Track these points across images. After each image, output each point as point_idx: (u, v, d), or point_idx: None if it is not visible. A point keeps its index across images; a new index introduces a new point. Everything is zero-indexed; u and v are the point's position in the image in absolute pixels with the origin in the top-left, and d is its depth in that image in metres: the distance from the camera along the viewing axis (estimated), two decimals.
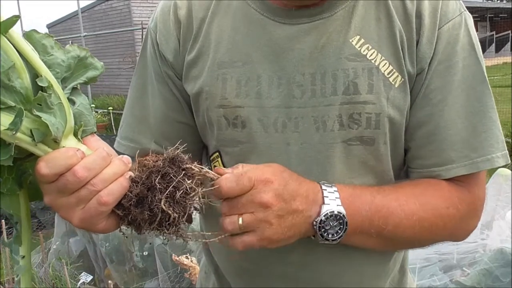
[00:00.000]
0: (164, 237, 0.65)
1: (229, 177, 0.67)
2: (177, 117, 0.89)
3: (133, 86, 0.92)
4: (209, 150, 0.90)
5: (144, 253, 2.88)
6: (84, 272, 3.11)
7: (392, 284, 0.96)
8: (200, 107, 0.85)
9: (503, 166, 0.82)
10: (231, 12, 0.84)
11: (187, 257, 2.51)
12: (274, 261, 0.86)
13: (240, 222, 0.67)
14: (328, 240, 0.72)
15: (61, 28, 15.47)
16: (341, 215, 0.72)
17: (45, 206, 4.59)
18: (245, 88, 0.80)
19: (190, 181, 0.63)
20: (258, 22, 0.81)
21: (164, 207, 0.61)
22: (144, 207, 0.62)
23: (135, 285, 2.87)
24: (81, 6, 9.99)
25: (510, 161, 0.82)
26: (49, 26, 16.59)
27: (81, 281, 3.01)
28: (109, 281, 2.29)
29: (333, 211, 0.71)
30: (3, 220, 3.17)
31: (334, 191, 0.73)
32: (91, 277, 3.10)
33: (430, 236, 0.81)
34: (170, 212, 0.61)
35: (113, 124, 8.96)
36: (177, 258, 2.49)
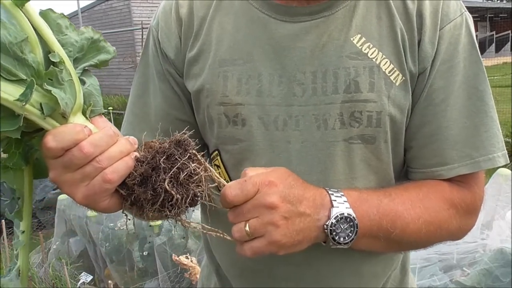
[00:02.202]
0: (166, 220, 0.65)
1: (233, 184, 0.67)
2: (178, 114, 0.89)
3: (135, 84, 0.93)
4: (209, 148, 0.90)
5: (144, 253, 2.88)
6: (84, 272, 3.11)
7: (393, 284, 0.96)
8: (201, 104, 0.85)
9: (503, 166, 0.83)
10: (232, 11, 0.84)
11: (187, 257, 2.51)
12: (276, 261, 0.86)
13: (247, 228, 0.66)
14: (340, 243, 0.71)
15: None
16: (351, 217, 0.71)
17: (45, 206, 4.59)
18: (246, 86, 0.80)
19: (194, 164, 0.63)
20: (259, 21, 0.82)
21: (167, 187, 0.61)
22: (148, 186, 0.62)
23: (135, 285, 2.87)
24: (81, 6, 10.00)
25: (509, 161, 0.83)
26: None
27: (81, 281, 3.01)
28: (109, 281, 2.29)
29: (343, 213, 0.70)
30: (3, 220, 3.17)
31: (341, 195, 0.73)
32: (91, 277, 3.09)
33: (434, 238, 0.82)
34: (173, 193, 0.61)
35: (113, 124, 8.95)
36: (177, 258, 2.49)
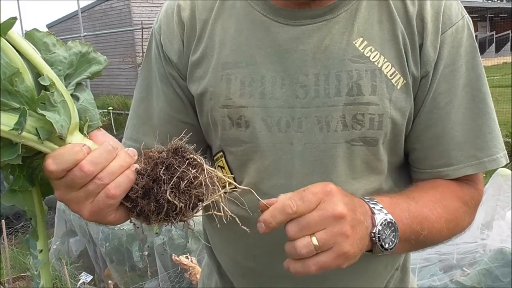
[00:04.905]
0: (172, 226, 0.66)
1: (293, 196, 0.63)
2: (181, 117, 0.90)
3: (138, 87, 0.93)
4: (213, 150, 0.90)
5: (144, 253, 2.88)
6: (84, 272, 3.11)
7: (394, 283, 0.96)
8: (204, 107, 0.86)
9: (503, 166, 0.84)
10: (234, 14, 0.85)
11: (187, 257, 2.51)
12: (277, 261, 0.86)
13: (315, 242, 0.62)
14: (387, 250, 0.70)
15: (61, 28, 15.46)
16: (393, 222, 0.70)
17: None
18: (249, 88, 0.81)
19: (194, 170, 0.63)
20: (262, 24, 0.82)
21: (169, 197, 0.61)
22: (151, 198, 0.63)
23: (135, 285, 2.87)
24: (81, 6, 9.98)
25: (509, 161, 0.84)
26: (49, 26, 16.56)
27: (81, 281, 3.01)
28: (109, 281, 2.29)
29: (387, 219, 0.70)
30: (3, 220, 3.16)
31: (376, 202, 0.72)
32: (91, 277, 3.10)
33: (452, 235, 0.84)
34: (176, 202, 0.62)
35: (113, 124, 8.96)
36: (177, 258, 2.49)
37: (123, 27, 12.09)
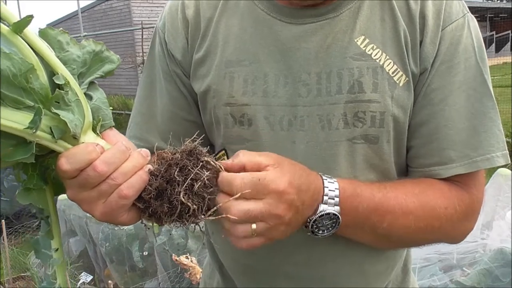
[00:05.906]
0: (184, 227, 0.66)
1: (246, 178, 0.64)
2: (184, 115, 0.90)
3: (141, 85, 0.94)
4: (215, 148, 0.91)
5: (144, 253, 2.88)
6: (84, 272, 3.11)
7: (395, 283, 0.96)
8: (207, 105, 0.86)
9: (503, 166, 0.83)
10: (238, 12, 0.85)
11: (187, 257, 2.51)
12: (279, 261, 0.87)
13: (254, 228, 0.65)
14: (317, 235, 0.74)
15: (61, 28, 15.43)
16: (336, 216, 0.72)
17: None
18: (252, 87, 0.81)
19: (208, 172, 0.63)
20: (265, 22, 0.83)
21: (183, 199, 0.61)
22: (164, 199, 0.63)
23: (135, 285, 2.87)
24: (81, 6, 9.99)
25: (510, 161, 0.82)
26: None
27: (81, 281, 3.01)
28: (109, 281, 2.29)
29: (329, 213, 0.72)
30: (3, 220, 3.17)
31: (335, 188, 0.73)
32: (91, 277, 3.10)
33: (425, 236, 0.81)
34: (190, 204, 0.62)
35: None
36: (177, 258, 2.49)
37: (123, 27, 12.09)
